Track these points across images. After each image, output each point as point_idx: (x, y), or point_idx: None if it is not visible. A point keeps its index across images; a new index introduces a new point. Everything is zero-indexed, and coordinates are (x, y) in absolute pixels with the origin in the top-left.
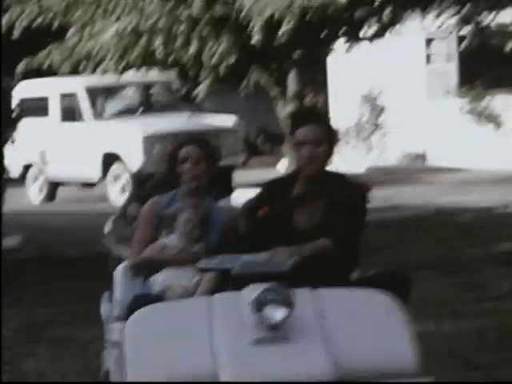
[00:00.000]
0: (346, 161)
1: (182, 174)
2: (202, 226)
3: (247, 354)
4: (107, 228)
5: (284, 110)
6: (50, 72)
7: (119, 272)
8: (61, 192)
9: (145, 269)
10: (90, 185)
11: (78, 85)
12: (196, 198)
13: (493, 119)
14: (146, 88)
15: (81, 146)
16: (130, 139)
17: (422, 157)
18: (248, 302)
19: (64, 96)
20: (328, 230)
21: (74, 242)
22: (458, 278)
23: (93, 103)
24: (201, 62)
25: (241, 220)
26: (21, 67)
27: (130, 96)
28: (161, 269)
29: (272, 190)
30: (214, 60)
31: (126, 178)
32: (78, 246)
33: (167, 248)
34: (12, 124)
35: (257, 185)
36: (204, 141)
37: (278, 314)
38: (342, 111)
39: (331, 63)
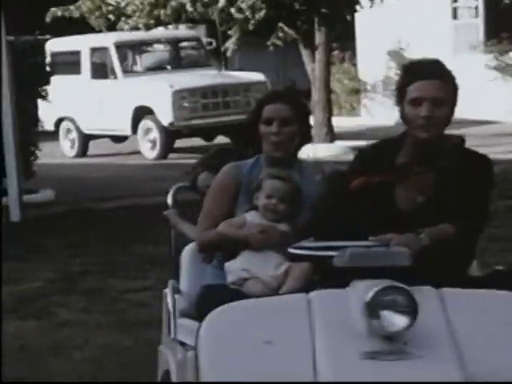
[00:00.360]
0: (373, 115)
1: (266, 137)
2: (291, 201)
3: (357, 371)
4: (170, 199)
5: (311, 65)
6: (83, 31)
7: (186, 256)
8: (93, 146)
9: (217, 249)
10: (121, 139)
11: (108, 40)
12: (283, 167)
13: None
14: (176, 44)
15: (111, 101)
16: (160, 93)
17: None
18: (358, 303)
19: (94, 50)
20: (445, 211)
21: (106, 195)
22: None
23: (123, 59)
24: (229, 18)
25: (329, 194)
26: (49, 17)
27: (160, 52)
28: (236, 252)
29: (370, 157)
30: (243, 15)
31: (156, 132)
32: (110, 198)
33: (246, 226)
34: (44, 78)
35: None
36: (295, 97)
37: (398, 321)
38: (370, 67)
39: (359, 19)
